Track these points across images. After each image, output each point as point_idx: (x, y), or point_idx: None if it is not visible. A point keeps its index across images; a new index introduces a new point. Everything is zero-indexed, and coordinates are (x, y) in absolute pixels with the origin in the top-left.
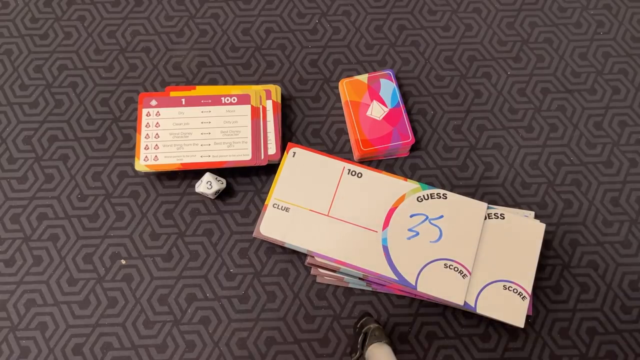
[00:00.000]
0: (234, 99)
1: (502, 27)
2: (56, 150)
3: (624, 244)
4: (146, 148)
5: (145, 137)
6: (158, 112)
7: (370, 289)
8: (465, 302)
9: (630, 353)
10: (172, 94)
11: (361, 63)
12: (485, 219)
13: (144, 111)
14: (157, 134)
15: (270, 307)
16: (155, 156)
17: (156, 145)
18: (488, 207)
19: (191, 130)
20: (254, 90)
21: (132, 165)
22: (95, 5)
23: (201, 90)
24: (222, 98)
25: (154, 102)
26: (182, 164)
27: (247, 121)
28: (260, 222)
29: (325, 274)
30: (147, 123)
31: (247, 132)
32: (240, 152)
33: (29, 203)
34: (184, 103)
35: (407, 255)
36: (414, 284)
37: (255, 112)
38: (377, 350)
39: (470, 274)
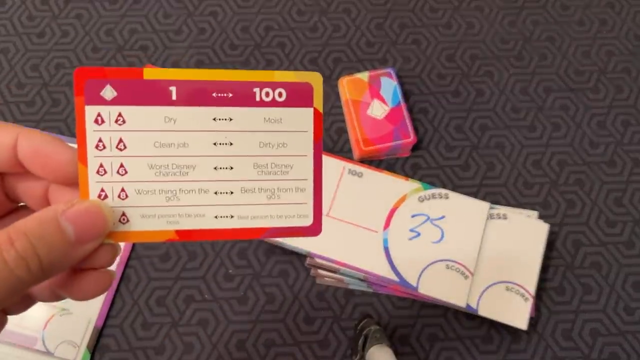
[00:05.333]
0: (280, 93)
1: (504, 25)
2: None
3: (628, 245)
4: (101, 196)
5: (98, 172)
6: (120, 114)
7: (371, 290)
8: (467, 303)
9: (633, 354)
10: (149, 74)
11: (362, 61)
12: (488, 219)
13: (91, 112)
14: (121, 164)
15: (269, 308)
16: (123, 214)
17: (122, 189)
18: (490, 207)
19: (193, 160)
20: (317, 76)
21: None
22: (92, 3)
23: (210, 74)
24: (257, 90)
25: (110, 93)
26: (177, 230)
27: (308, 144)
28: None
29: (325, 275)
30: (100, 140)
31: (307, 168)
32: (291, 211)
33: None
34: (175, 98)
35: (409, 256)
36: (415, 285)
37: (318, 123)
38: (377, 352)
39: (472, 275)
